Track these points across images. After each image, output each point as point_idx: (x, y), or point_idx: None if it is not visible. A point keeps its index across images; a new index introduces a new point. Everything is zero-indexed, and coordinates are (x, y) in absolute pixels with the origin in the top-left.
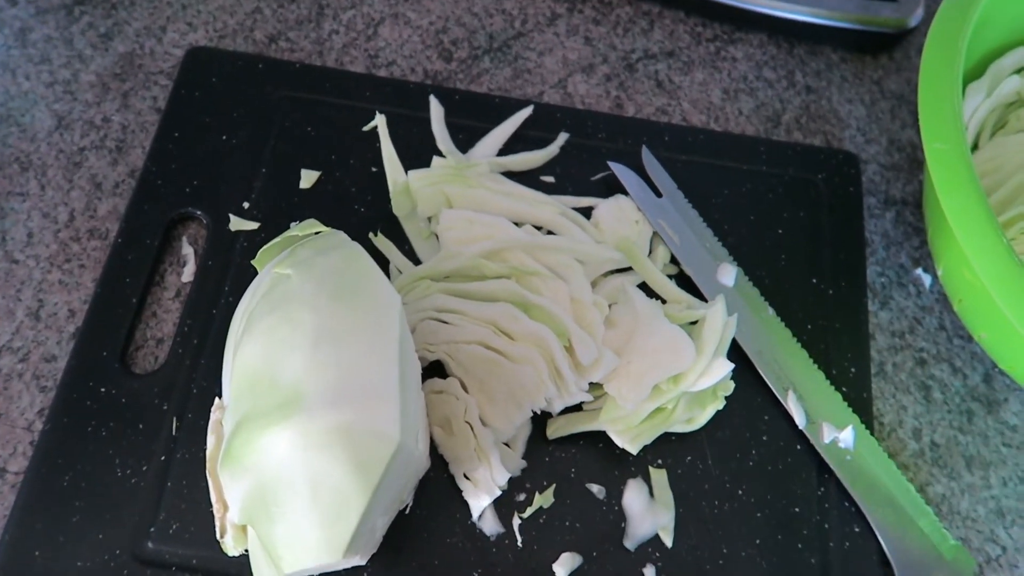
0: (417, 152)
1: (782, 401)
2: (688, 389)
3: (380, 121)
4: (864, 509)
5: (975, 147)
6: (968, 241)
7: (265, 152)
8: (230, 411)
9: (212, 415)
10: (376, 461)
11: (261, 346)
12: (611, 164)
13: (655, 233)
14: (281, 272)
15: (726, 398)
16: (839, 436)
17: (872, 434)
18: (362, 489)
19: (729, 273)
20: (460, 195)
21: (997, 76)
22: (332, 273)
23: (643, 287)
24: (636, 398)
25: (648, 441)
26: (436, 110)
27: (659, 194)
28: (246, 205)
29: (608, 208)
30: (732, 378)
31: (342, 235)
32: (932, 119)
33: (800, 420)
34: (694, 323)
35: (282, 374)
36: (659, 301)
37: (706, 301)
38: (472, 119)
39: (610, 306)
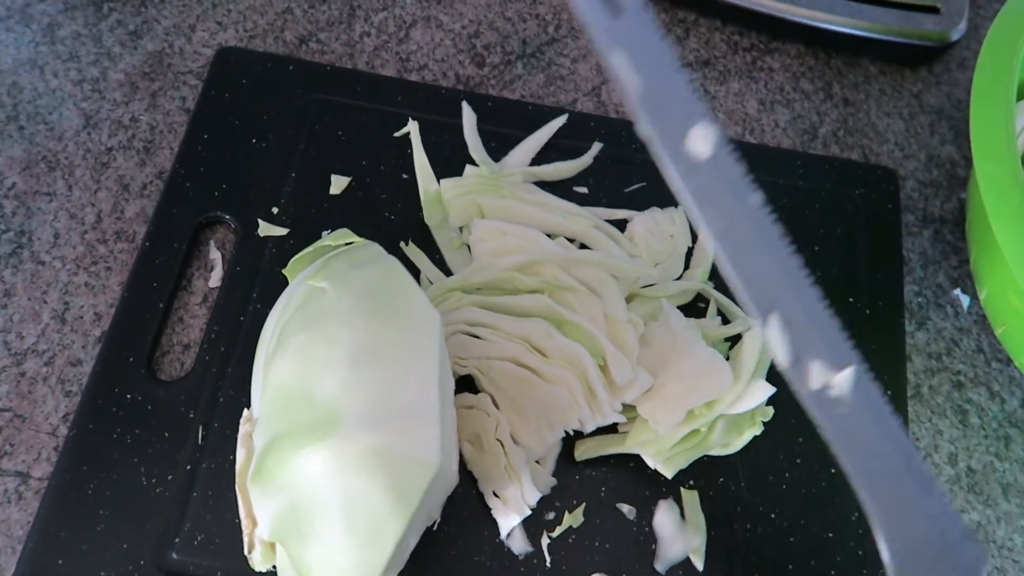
0: (448, 159)
1: (760, 326)
2: (723, 412)
3: (413, 128)
4: (857, 483)
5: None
6: (1021, 268)
7: (295, 156)
8: (261, 426)
9: (241, 427)
10: (414, 487)
11: (296, 362)
12: None
13: (690, 249)
14: (316, 285)
15: (763, 423)
16: (832, 381)
17: None
18: (399, 515)
19: (705, 139)
20: (493, 205)
21: None
22: (369, 289)
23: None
24: (670, 422)
25: (684, 465)
26: (468, 117)
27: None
28: (275, 210)
29: (643, 221)
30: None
31: (377, 247)
32: (984, 141)
33: (783, 356)
34: (736, 338)
35: (318, 392)
36: (695, 319)
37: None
38: (504, 126)
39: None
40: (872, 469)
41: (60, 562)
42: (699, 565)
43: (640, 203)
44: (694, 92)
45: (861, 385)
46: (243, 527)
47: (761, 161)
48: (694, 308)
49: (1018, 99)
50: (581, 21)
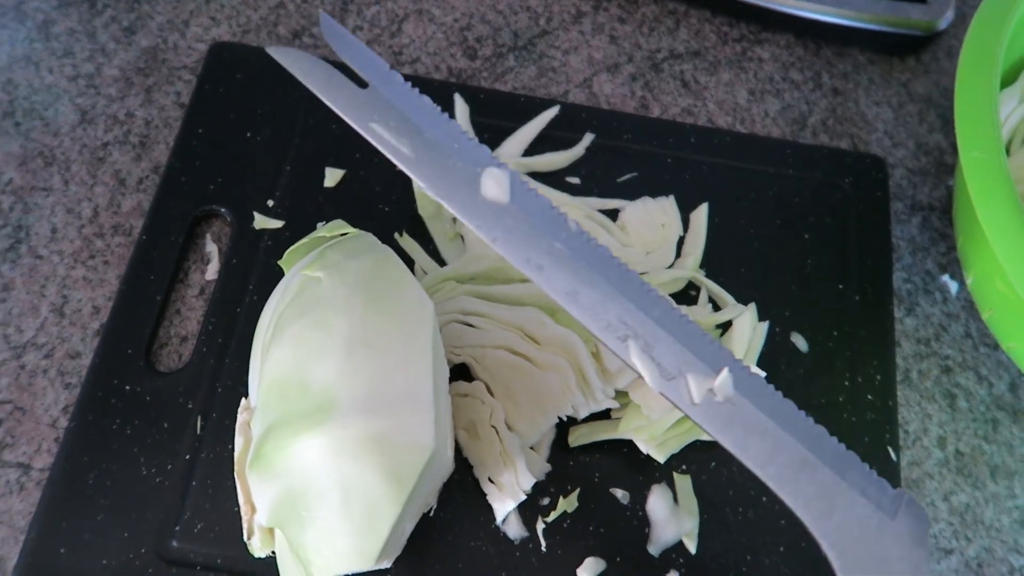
0: None
1: (619, 355)
2: None
3: None
4: (774, 486)
5: (1007, 153)
6: (1004, 252)
7: (289, 149)
8: (259, 414)
9: (239, 416)
10: (409, 470)
11: (292, 350)
12: (271, 50)
13: (682, 237)
14: (311, 275)
15: None
16: (713, 386)
17: (896, 442)
18: (394, 498)
19: (500, 181)
20: None
21: None
22: (364, 278)
23: (676, 295)
24: (662, 408)
25: (676, 450)
26: (461, 109)
27: (363, 84)
28: (270, 203)
29: (635, 211)
30: None
31: (371, 237)
32: (969, 128)
33: (653, 380)
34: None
35: (314, 380)
36: (687, 307)
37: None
38: (497, 118)
39: None
40: (787, 465)
41: (62, 551)
42: (692, 548)
43: (632, 193)
44: (471, 139)
45: (744, 382)
46: (242, 514)
47: (751, 150)
48: (686, 296)
49: (1003, 87)
50: (328, 104)
